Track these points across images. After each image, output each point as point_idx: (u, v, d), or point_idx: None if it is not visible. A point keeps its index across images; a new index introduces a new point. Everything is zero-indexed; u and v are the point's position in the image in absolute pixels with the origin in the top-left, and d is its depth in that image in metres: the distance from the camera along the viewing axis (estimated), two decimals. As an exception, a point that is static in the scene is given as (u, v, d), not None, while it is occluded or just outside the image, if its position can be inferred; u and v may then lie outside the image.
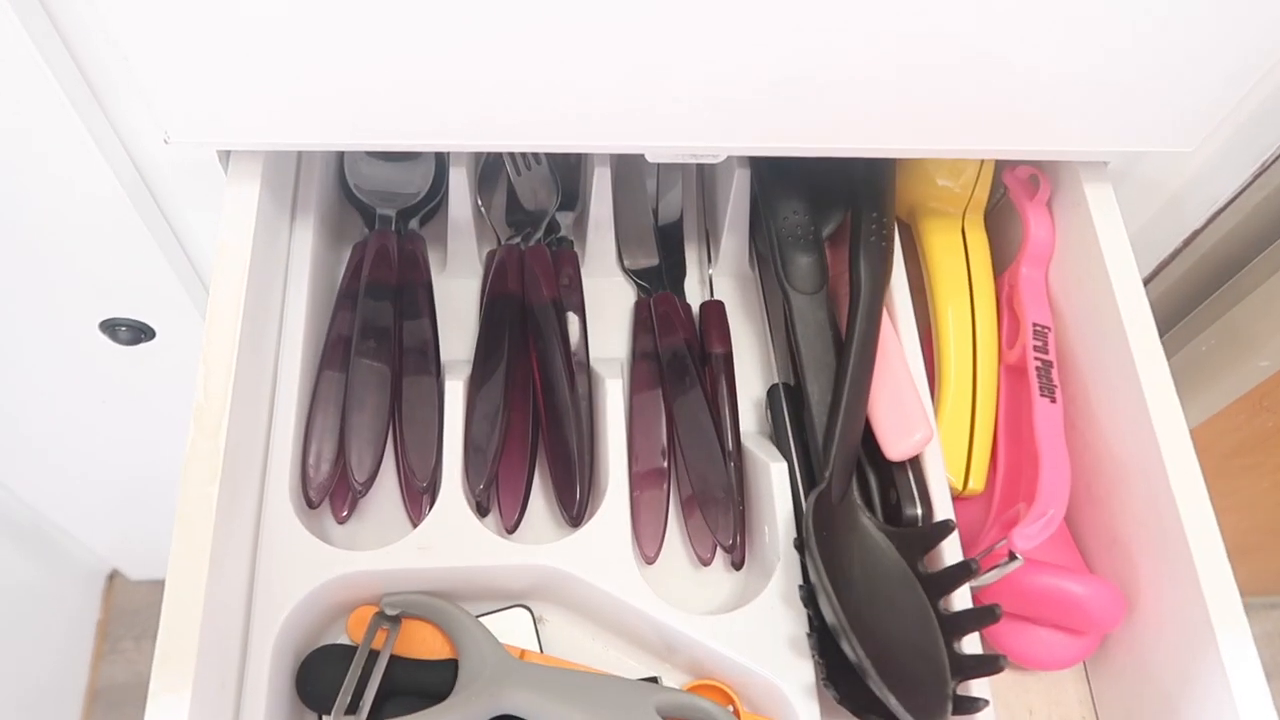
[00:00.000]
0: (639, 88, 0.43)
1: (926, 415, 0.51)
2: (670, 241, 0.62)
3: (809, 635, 0.46)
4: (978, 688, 0.45)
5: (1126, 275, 0.51)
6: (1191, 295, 0.74)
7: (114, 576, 1.23)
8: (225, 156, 0.49)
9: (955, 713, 0.43)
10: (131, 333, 0.59)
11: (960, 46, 0.42)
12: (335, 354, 0.51)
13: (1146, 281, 0.70)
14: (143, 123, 0.51)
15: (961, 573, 0.45)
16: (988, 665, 0.43)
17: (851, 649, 0.41)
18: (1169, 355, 0.50)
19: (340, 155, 0.58)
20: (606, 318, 0.58)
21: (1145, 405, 0.48)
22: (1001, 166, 0.58)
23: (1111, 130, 0.47)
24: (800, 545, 0.46)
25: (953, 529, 0.46)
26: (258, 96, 0.43)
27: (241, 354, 0.44)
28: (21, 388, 0.70)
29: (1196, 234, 0.66)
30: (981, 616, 0.44)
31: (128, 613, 1.27)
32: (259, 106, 0.43)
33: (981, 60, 0.42)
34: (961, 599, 0.47)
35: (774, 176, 0.56)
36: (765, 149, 0.48)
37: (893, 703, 0.40)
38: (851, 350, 0.49)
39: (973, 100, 0.44)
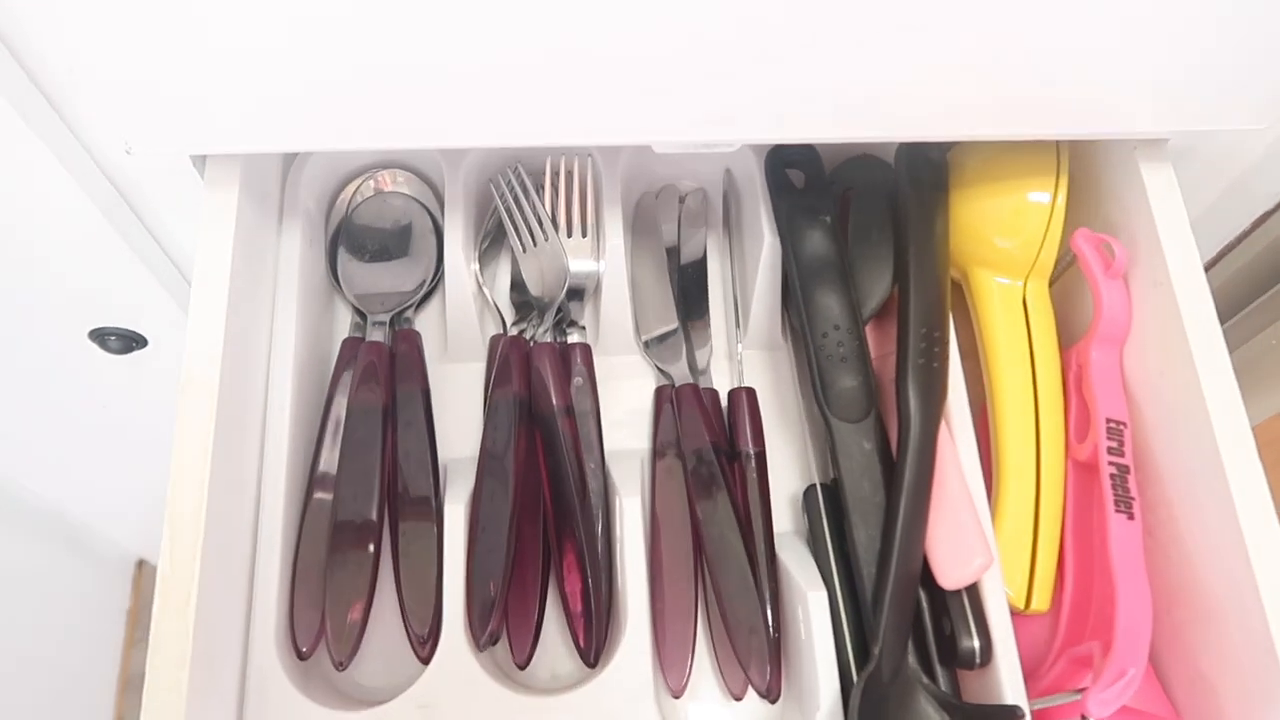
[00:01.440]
0: (643, 76, 0.38)
1: (986, 539, 0.45)
2: (692, 303, 0.56)
3: None
4: None
5: (1214, 361, 0.44)
6: (1258, 282, 0.67)
7: (142, 565, 1.22)
8: (201, 163, 0.45)
9: None
10: (122, 342, 0.56)
11: (1012, 18, 0.36)
12: (323, 482, 0.46)
13: (1208, 267, 0.63)
14: (107, 133, 0.46)
15: None
16: None
17: None
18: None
19: (329, 246, 0.53)
20: (624, 402, 0.53)
21: (1238, 524, 0.42)
22: (1070, 228, 0.51)
23: (1179, 107, 0.42)
24: None
25: (1021, 716, 0.41)
26: (218, 99, 0.38)
27: (211, 506, 0.39)
28: (22, 398, 0.68)
29: (1266, 216, 0.59)
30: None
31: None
32: (220, 109, 0.39)
33: (1034, 32, 0.37)
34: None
35: (809, 264, 0.49)
36: (781, 136, 0.42)
37: None
38: (901, 499, 0.44)
39: (1024, 74, 0.39)
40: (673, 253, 0.57)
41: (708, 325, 0.56)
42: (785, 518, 0.51)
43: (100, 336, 0.56)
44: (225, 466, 0.41)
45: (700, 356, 0.54)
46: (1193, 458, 0.44)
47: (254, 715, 0.42)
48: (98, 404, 0.67)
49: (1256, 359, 0.62)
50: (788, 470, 0.53)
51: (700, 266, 0.57)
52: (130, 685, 1.15)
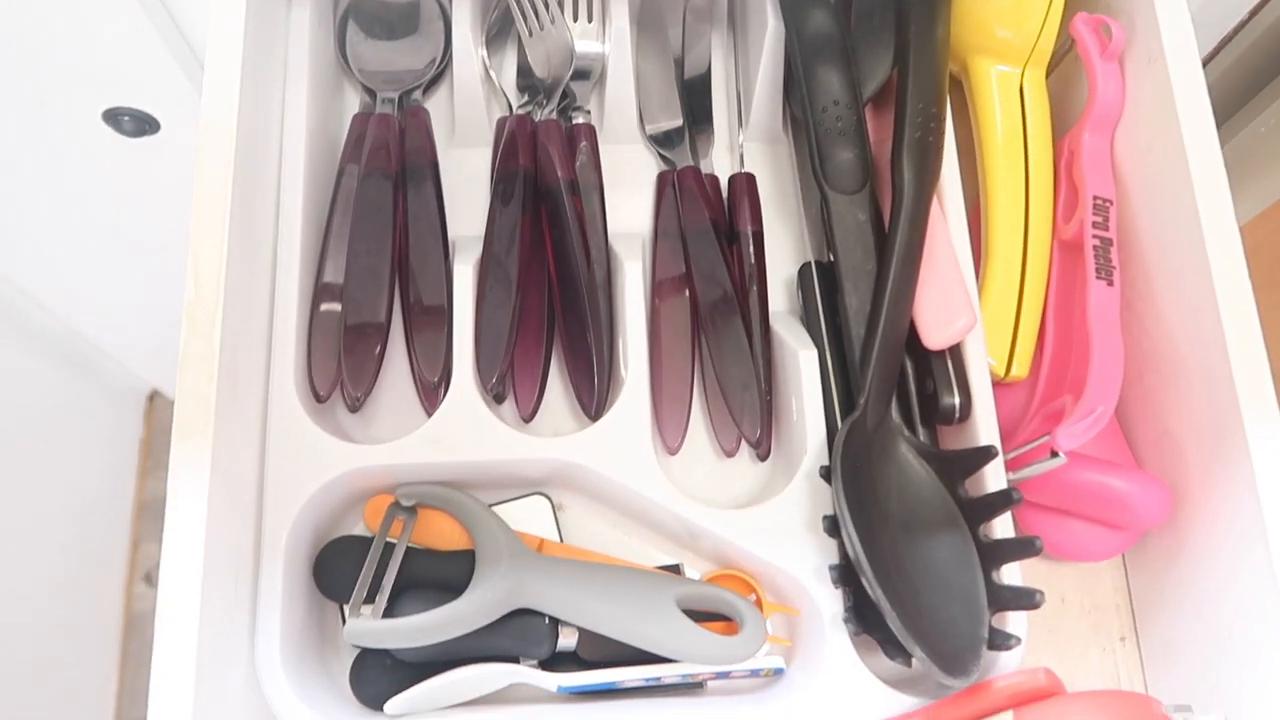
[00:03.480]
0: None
1: (970, 301, 0.47)
2: (696, 101, 0.57)
3: (832, 569, 0.44)
4: (1014, 621, 0.43)
5: (1202, 139, 0.45)
6: (1252, 78, 0.67)
7: (154, 397, 1.24)
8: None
9: (990, 647, 0.41)
10: (135, 123, 0.57)
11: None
12: (338, 239, 0.48)
13: (1206, 61, 0.63)
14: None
15: (1002, 501, 0.43)
16: (1024, 600, 0.41)
17: (873, 590, 0.39)
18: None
19: (339, 24, 0.54)
20: (626, 188, 0.54)
21: (1213, 289, 0.44)
22: (1069, 16, 0.51)
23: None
24: (827, 475, 0.44)
25: (995, 455, 0.44)
26: None
27: (233, 237, 0.41)
28: (34, 187, 0.69)
29: (1261, 6, 0.59)
30: (1022, 547, 0.42)
31: (169, 431, 1.30)
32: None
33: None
34: (1003, 525, 0.44)
35: (811, 42, 0.50)
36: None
37: (918, 652, 0.39)
38: (892, 264, 0.45)
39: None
40: (678, 60, 0.57)
41: (711, 125, 0.57)
42: (780, 299, 0.54)
43: (114, 117, 0.57)
44: (244, 216, 0.43)
45: (703, 149, 0.56)
46: (1176, 229, 0.46)
47: (276, 448, 0.44)
48: (112, 196, 0.68)
49: (1248, 151, 0.64)
50: (784, 256, 0.54)
51: (705, 67, 0.58)
52: (145, 511, 1.20)
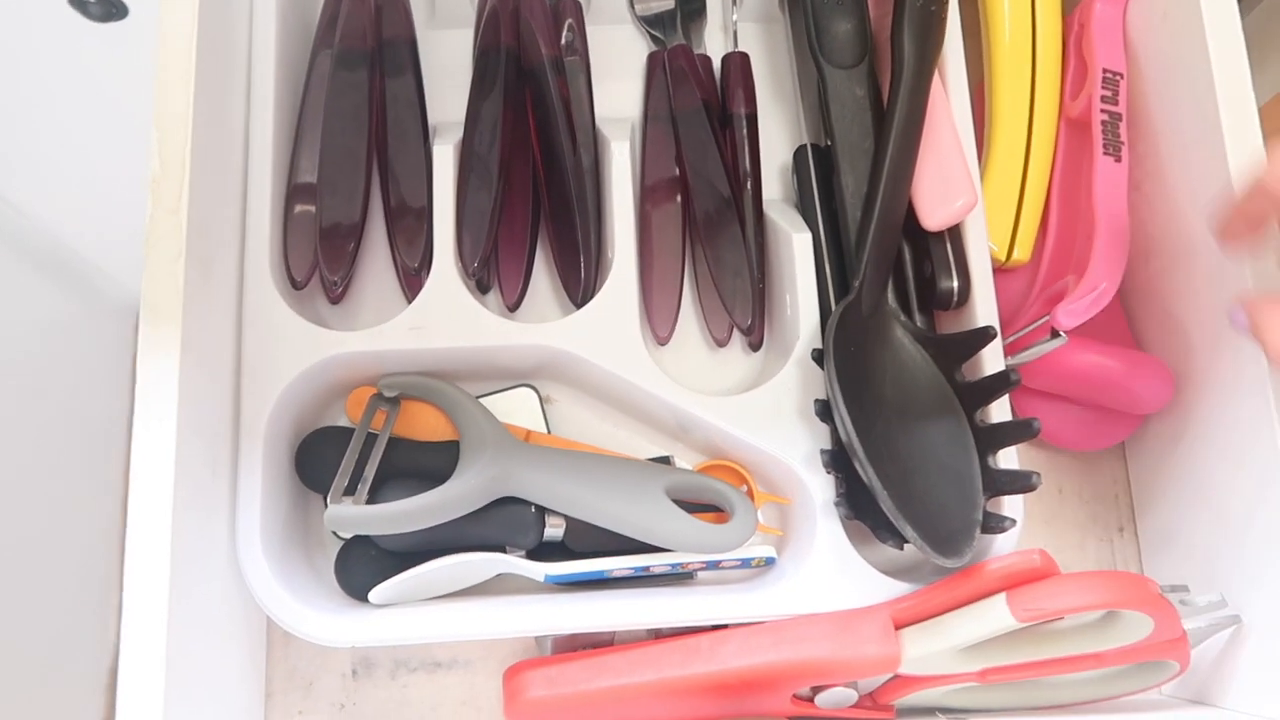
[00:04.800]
0: None
1: (972, 180, 0.45)
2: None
3: (824, 453, 0.43)
4: (1009, 505, 0.42)
5: (1222, 8, 0.43)
6: None
7: None
8: None
9: (984, 530, 0.40)
10: (102, 7, 0.55)
11: None
12: (313, 124, 0.46)
13: None
14: None
15: (1000, 384, 0.41)
16: (1020, 482, 0.40)
17: (864, 472, 0.38)
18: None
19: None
20: (615, 72, 0.52)
21: (1226, 166, 0.42)
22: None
23: None
24: (819, 358, 0.43)
25: (994, 336, 0.42)
26: None
27: (199, 111, 0.39)
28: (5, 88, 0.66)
29: None
30: (1019, 430, 0.41)
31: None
32: None
33: None
34: (1000, 410, 0.43)
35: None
36: None
37: (910, 533, 0.38)
38: (890, 139, 0.43)
39: None
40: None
41: (704, 4, 0.54)
42: (775, 187, 0.52)
43: (80, 1, 0.54)
44: (210, 93, 0.41)
45: (695, 29, 0.53)
46: (1189, 106, 0.44)
47: (252, 334, 0.43)
48: (81, 88, 0.65)
49: (1270, 25, 0.61)
50: (779, 141, 0.52)
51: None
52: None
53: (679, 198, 0.49)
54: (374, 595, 0.41)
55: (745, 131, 0.50)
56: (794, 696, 0.41)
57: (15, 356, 0.93)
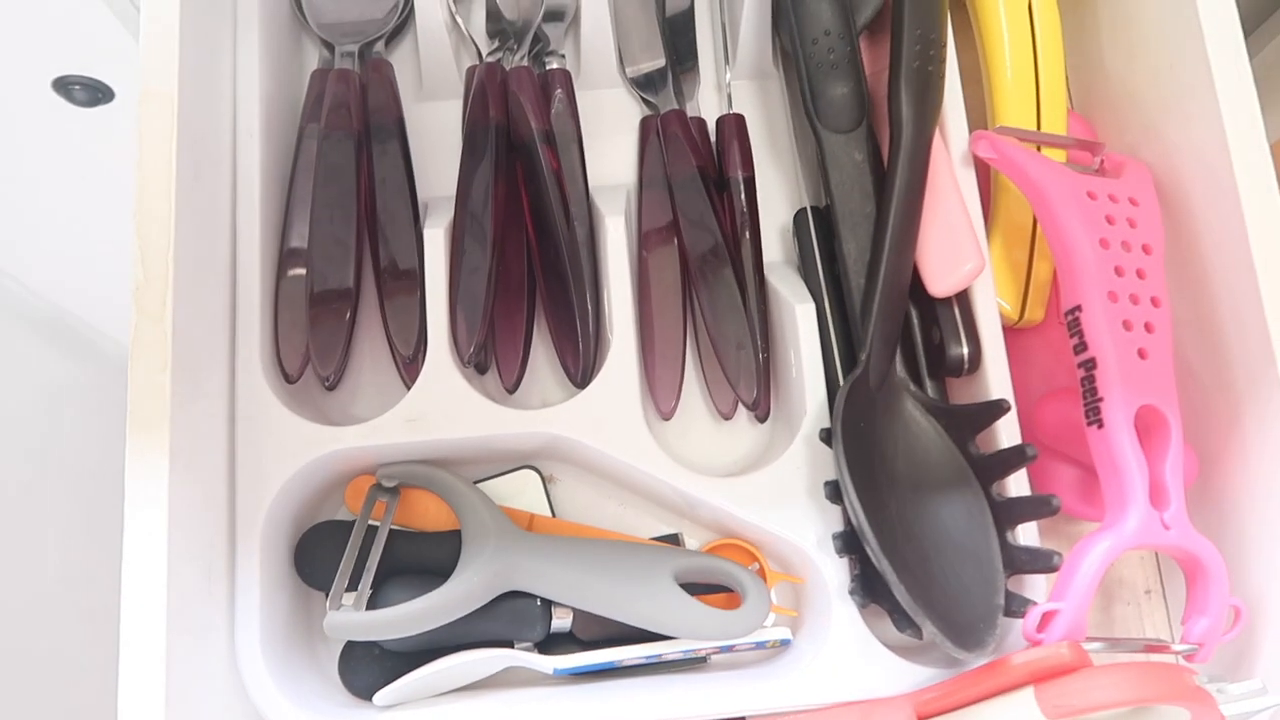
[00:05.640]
0: None
1: (978, 243, 0.44)
2: (679, 39, 0.53)
3: (835, 537, 0.42)
4: (1031, 585, 0.41)
5: (1229, 51, 0.42)
6: None
7: None
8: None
9: (1006, 614, 0.39)
10: (88, 92, 0.54)
11: None
12: (301, 206, 0.45)
13: None
14: None
15: (1016, 458, 0.40)
16: (1041, 562, 0.38)
17: (878, 560, 0.37)
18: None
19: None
20: (607, 137, 0.51)
21: (1242, 216, 0.41)
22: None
23: None
24: (827, 438, 0.41)
25: (1007, 409, 0.41)
26: None
27: (181, 213, 0.38)
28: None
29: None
30: (1037, 506, 0.39)
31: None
32: None
33: None
34: (1017, 485, 0.42)
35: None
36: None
37: (928, 626, 0.36)
38: (891, 206, 0.42)
39: None
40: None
41: (696, 63, 0.53)
42: (775, 249, 0.50)
43: (64, 86, 0.54)
44: (194, 190, 0.40)
45: (688, 90, 0.52)
46: (1201, 152, 0.43)
47: (245, 434, 0.42)
48: (69, 170, 0.65)
49: (1277, 65, 0.59)
50: (778, 202, 0.51)
51: (687, 1, 0.53)
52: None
53: (677, 268, 0.47)
54: (379, 699, 0.40)
55: (743, 196, 0.49)
56: (815, 792, 0.40)
57: (21, 416, 0.93)
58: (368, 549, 0.42)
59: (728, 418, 0.48)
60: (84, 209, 0.72)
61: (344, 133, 0.46)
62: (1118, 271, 0.41)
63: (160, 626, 0.35)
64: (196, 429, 0.39)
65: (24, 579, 0.91)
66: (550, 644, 0.43)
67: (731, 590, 0.43)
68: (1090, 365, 0.40)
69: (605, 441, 0.43)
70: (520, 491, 0.47)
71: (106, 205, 0.69)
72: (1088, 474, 0.45)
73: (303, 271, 0.44)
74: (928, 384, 0.45)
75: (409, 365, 0.45)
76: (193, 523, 0.38)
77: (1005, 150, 0.44)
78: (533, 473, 0.47)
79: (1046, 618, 0.37)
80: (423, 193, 0.48)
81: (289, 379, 0.44)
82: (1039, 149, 0.46)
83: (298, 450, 0.42)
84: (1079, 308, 0.41)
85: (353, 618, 0.40)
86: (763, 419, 0.47)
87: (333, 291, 0.44)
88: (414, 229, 0.46)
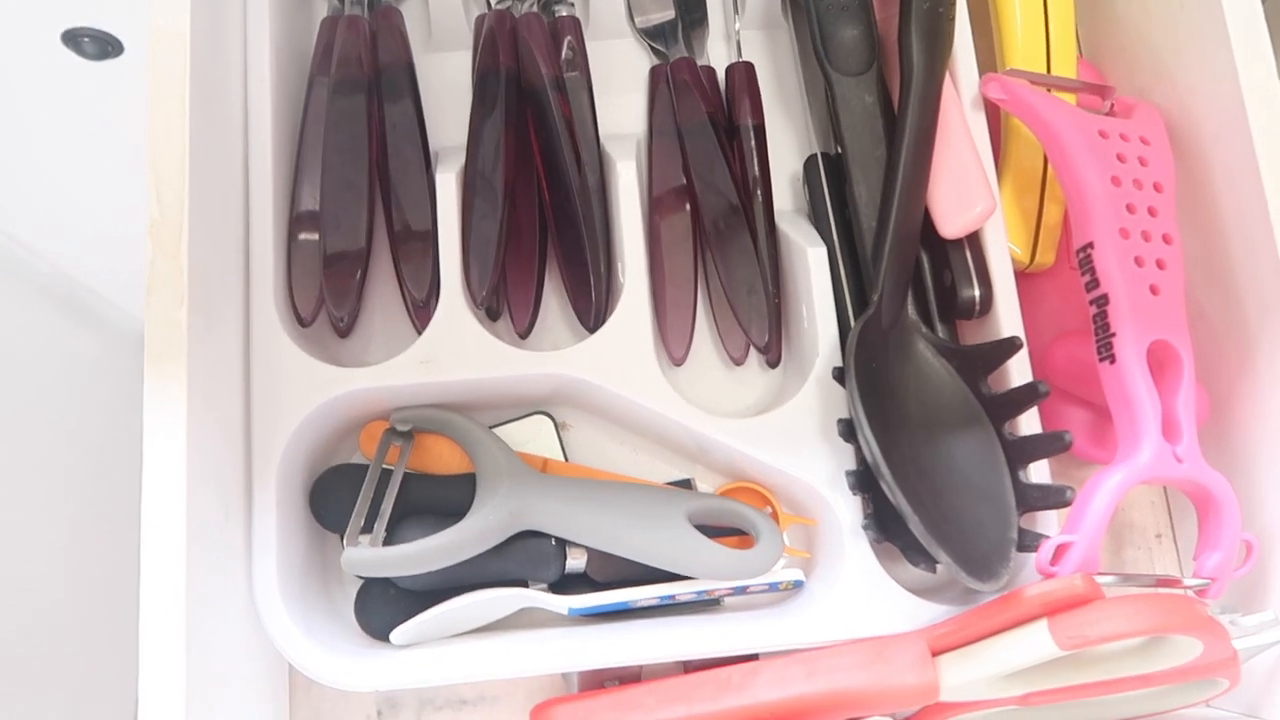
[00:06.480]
0: None
1: (988, 184, 0.44)
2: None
3: (849, 474, 0.42)
4: (1042, 520, 0.41)
5: None
6: None
7: None
8: None
9: (1019, 548, 0.39)
10: (97, 45, 0.54)
11: None
12: (312, 155, 0.45)
13: None
14: None
15: (1028, 395, 0.40)
16: (1054, 498, 0.39)
17: (892, 493, 0.37)
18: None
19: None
20: (617, 87, 0.51)
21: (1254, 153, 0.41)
22: None
23: None
24: (840, 376, 0.41)
25: (1020, 346, 0.41)
26: None
27: (195, 153, 0.38)
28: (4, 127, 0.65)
29: None
30: (1050, 443, 0.40)
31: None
32: None
33: None
34: (1029, 422, 0.42)
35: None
36: None
37: (942, 556, 0.36)
38: (902, 147, 0.42)
39: None
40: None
41: (705, 13, 0.53)
42: (785, 197, 0.50)
43: (74, 39, 0.53)
44: (206, 130, 0.40)
45: (697, 40, 0.52)
46: (1211, 93, 0.43)
47: (260, 375, 0.42)
48: (79, 125, 0.65)
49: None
50: (788, 149, 0.51)
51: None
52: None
53: (688, 214, 0.47)
54: (395, 637, 0.41)
55: (753, 143, 0.49)
56: (829, 726, 0.40)
57: (33, 385, 0.93)
58: (383, 491, 0.43)
59: (739, 363, 0.48)
60: (96, 168, 0.71)
61: (355, 79, 0.46)
62: (1129, 209, 0.41)
63: (180, 558, 0.35)
64: (213, 366, 0.39)
65: (38, 555, 0.91)
66: (565, 586, 0.43)
67: (745, 534, 0.44)
68: (1103, 302, 0.40)
69: (618, 383, 0.43)
70: (533, 437, 0.47)
71: (118, 163, 0.68)
72: (1100, 417, 0.45)
73: (316, 215, 0.44)
74: (939, 327, 0.45)
75: (421, 310, 0.45)
76: (210, 458, 0.38)
77: (1016, 91, 0.44)
78: (545, 418, 0.47)
79: (1060, 550, 0.38)
80: (434, 143, 0.48)
81: (303, 322, 0.44)
82: (1049, 91, 0.46)
83: (312, 391, 0.42)
84: (1091, 245, 0.41)
85: (369, 553, 0.40)
86: (774, 364, 0.47)
87: (346, 235, 0.44)
88: (426, 175, 0.46)
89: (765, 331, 0.46)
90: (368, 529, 0.42)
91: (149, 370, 0.37)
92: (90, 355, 1.05)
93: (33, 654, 0.87)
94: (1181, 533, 0.48)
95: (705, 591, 0.43)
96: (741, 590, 0.43)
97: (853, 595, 0.41)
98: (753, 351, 0.47)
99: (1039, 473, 0.42)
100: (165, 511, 0.35)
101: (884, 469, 0.37)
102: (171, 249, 0.38)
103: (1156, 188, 0.42)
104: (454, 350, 0.43)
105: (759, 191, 0.48)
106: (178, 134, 0.38)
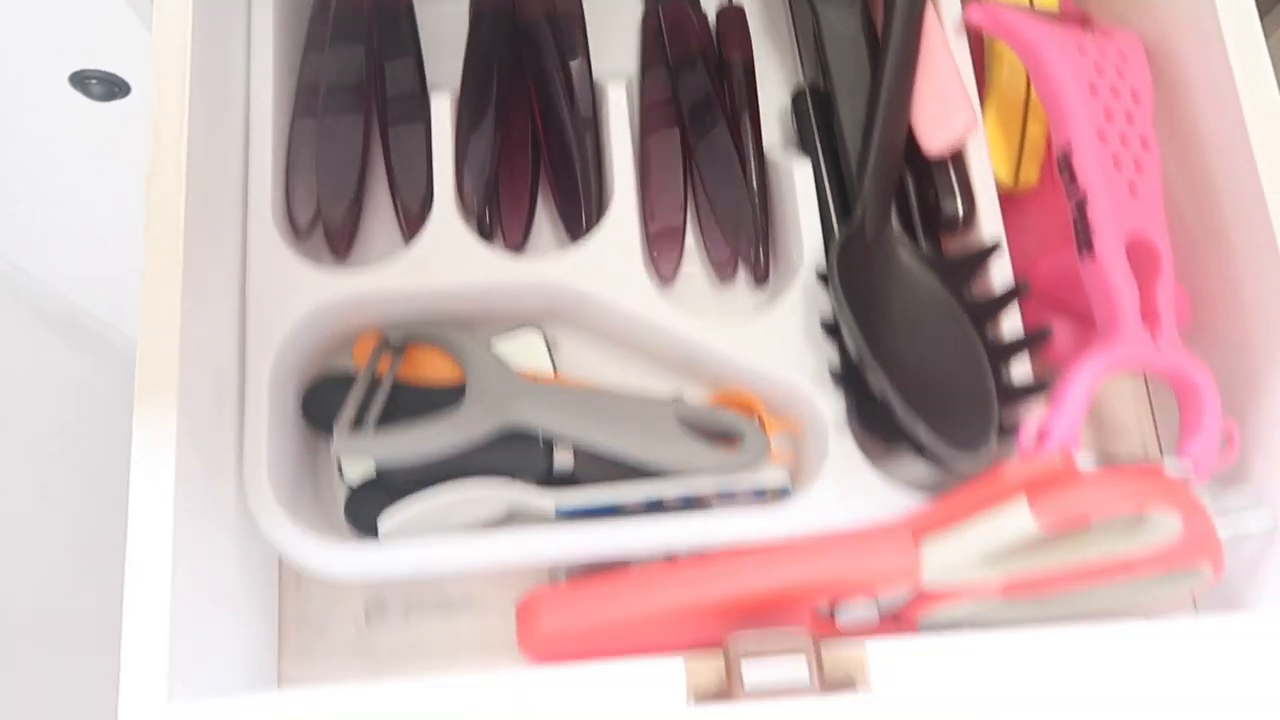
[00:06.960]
0: None
1: (970, 101, 0.45)
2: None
3: (832, 368, 0.42)
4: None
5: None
6: None
7: None
8: None
9: (1000, 430, 0.39)
10: (104, 86, 0.56)
11: None
12: (311, 74, 0.47)
13: None
14: None
15: (1010, 294, 0.41)
16: (1035, 388, 0.39)
17: (871, 372, 0.38)
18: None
19: None
20: (610, 29, 0.52)
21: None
22: None
23: None
24: (825, 278, 0.42)
25: (998, 248, 0.42)
26: None
27: (196, 55, 0.40)
28: (7, 160, 0.67)
29: None
30: (1031, 339, 0.40)
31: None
32: None
33: None
34: (1012, 325, 0.43)
35: None
36: None
37: (922, 431, 0.37)
38: (886, 65, 0.44)
39: None
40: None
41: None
42: (774, 131, 0.52)
43: (81, 81, 0.55)
44: (205, 40, 0.41)
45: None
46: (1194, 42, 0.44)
47: (256, 280, 0.43)
48: (86, 165, 0.66)
49: None
50: (778, 86, 0.52)
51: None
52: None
53: (678, 141, 0.49)
54: (382, 525, 0.41)
55: (742, 78, 0.50)
56: (814, 616, 0.40)
57: (35, 410, 0.93)
58: (373, 394, 0.43)
59: (727, 279, 0.49)
60: (99, 204, 0.73)
61: (355, 12, 0.48)
62: (1107, 115, 0.42)
63: (169, 450, 0.36)
64: (207, 257, 0.40)
65: (31, 574, 0.90)
66: (553, 487, 0.43)
67: (732, 439, 0.44)
68: (1083, 202, 0.41)
69: (608, 291, 0.44)
70: (523, 352, 0.47)
71: (122, 200, 0.70)
72: (1084, 328, 0.45)
73: (313, 134, 0.46)
74: (923, 241, 0.46)
75: (415, 221, 0.46)
76: (204, 356, 0.39)
77: (996, 13, 0.45)
78: (536, 333, 0.48)
79: (1042, 432, 0.38)
80: (431, 78, 0.49)
81: (298, 230, 0.45)
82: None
83: (307, 293, 0.43)
84: (1070, 149, 0.42)
85: (360, 440, 0.40)
86: (761, 279, 0.48)
87: (342, 144, 0.45)
88: (422, 98, 0.47)
89: (752, 245, 0.46)
90: (358, 430, 0.43)
91: (147, 255, 0.38)
92: (90, 376, 1.06)
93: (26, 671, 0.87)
94: (1170, 450, 0.48)
95: (693, 498, 0.43)
96: (729, 495, 0.43)
97: (838, 487, 0.41)
98: (741, 270, 0.48)
99: (1023, 379, 0.42)
100: (158, 396, 0.36)
101: (865, 351, 0.38)
102: (172, 142, 0.39)
103: (1134, 97, 0.43)
104: (447, 255, 0.44)
105: (748, 124, 0.50)
106: (179, 50, 0.40)
